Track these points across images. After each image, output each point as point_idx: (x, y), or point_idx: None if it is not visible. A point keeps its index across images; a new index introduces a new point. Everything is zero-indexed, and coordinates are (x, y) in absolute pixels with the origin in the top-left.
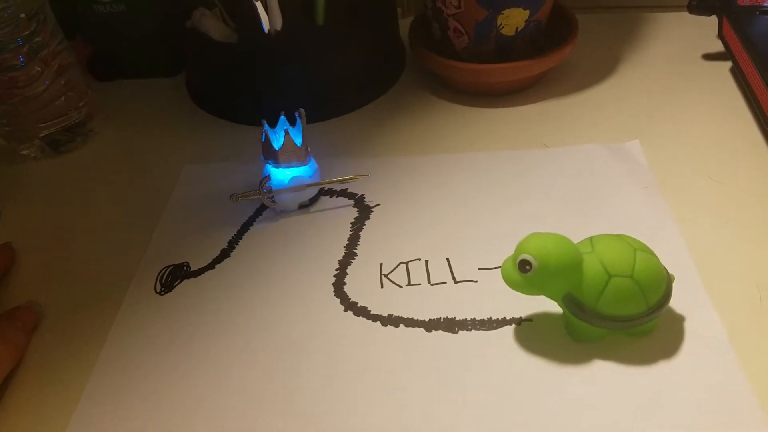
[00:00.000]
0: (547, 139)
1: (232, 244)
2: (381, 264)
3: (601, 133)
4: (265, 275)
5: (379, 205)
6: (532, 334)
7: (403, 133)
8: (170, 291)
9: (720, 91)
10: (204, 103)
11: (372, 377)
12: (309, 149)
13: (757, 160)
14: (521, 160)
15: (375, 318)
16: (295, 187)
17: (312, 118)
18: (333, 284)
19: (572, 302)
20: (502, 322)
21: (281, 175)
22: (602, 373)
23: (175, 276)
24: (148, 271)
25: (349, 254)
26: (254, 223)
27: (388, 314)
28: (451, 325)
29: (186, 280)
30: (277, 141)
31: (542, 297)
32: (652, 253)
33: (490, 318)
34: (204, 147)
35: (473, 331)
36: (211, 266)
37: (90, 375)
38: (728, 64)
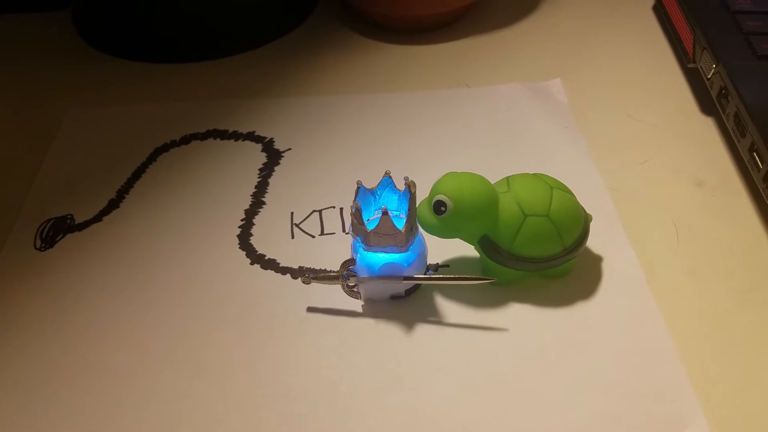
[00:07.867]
0: (468, 79)
1: (122, 193)
2: (292, 213)
3: (524, 72)
4: (160, 227)
5: (290, 149)
6: None
7: (317, 71)
8: (52, 247)
9: (642, 29)
10: (93, 38)
11: (284, 333)
12: (417, 229)
13: (677, 99)
14: (441, 100)
15: (284, 271)
16: (386, 277)
17: (214, 54)
18: (238, 236)
19: (488, 244)
20: None
21: (371, 258)
22: (519, 315)
23: (57, 230)
24: (27, 225)
25: (257, 203)
26: (147, 169)
27: (299, 266)
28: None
29: (69, 234)
30: (370, 212)
31: (458, 242)
32: (569, 192)
33: None
34: (92, 87)
35: None
36: (97, 218)
37: None
38: (651, 1)
